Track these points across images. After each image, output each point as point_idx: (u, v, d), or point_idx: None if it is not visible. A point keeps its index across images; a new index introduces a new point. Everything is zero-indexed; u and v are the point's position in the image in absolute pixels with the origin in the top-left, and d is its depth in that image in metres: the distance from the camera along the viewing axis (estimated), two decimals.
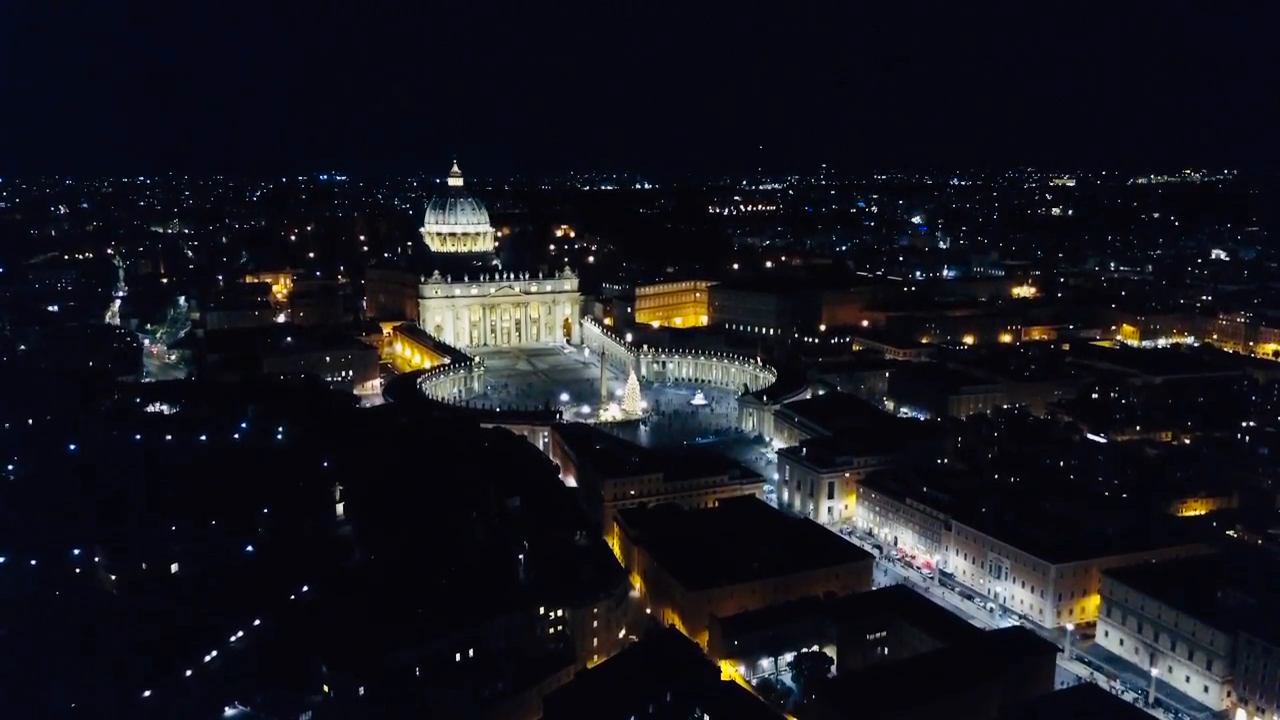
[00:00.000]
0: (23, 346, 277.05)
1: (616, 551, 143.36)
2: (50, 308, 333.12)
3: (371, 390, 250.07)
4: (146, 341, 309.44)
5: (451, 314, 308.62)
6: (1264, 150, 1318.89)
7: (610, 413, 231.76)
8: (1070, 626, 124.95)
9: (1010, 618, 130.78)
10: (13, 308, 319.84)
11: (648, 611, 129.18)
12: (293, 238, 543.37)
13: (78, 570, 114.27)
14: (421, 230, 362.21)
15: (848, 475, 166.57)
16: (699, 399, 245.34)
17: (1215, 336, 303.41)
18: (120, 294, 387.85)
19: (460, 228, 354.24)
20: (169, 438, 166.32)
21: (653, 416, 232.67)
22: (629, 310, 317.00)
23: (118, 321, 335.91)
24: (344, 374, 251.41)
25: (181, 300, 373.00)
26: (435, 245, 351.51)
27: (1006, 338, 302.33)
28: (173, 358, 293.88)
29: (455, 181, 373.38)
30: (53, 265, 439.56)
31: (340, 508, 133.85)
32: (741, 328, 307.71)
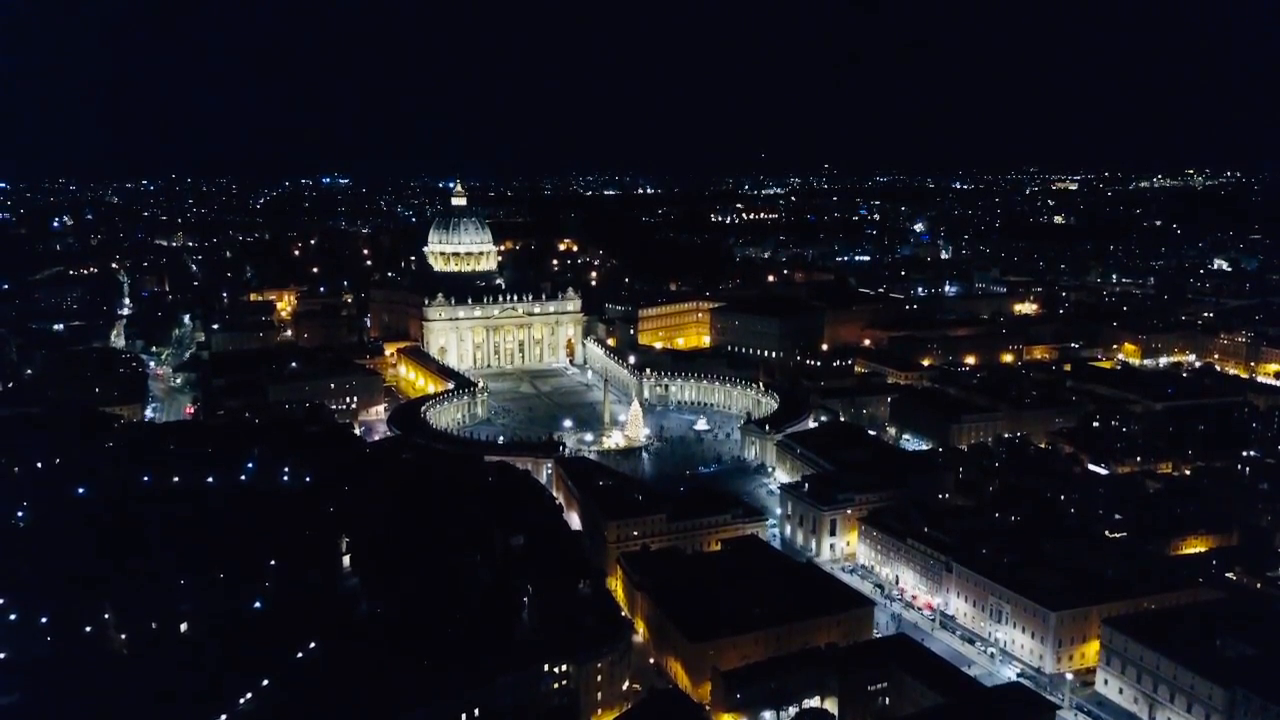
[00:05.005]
0: (29, 371, 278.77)
1: (619, 595, 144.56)
2: (55, 327, 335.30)
3: (376, 416, 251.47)
4: (151, 364, 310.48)
5: (455, 336, 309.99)
6: (1267, 154, 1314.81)
7: (613, 439, 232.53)
8: (1070, 675, 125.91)
9: (1011, 663, 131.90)
10: (18, 329, 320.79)
11: (651, 661, 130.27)
12: (296, 251, 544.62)
13: (88, 629, 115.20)
14: (425, 250, 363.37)
15: (849, 512, 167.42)
16: (702, 424, 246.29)
17: (1216, 356, 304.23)
18: (125, 312, 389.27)
19: (464, 247, 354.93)
20: (176, 479, 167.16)
21: (655, 444, 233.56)
22: (631, 331, 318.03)
23: (122, 343, 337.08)
24: (349, 400, 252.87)
25: (186, 319, 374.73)
26: (439, 265, 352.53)
27: (1008, 357, 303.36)
28: (178, 381, 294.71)
29: (459, 201, 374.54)
30: (57, 281, 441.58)
31: (347, 560, 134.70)
32: (744, 350, 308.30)
